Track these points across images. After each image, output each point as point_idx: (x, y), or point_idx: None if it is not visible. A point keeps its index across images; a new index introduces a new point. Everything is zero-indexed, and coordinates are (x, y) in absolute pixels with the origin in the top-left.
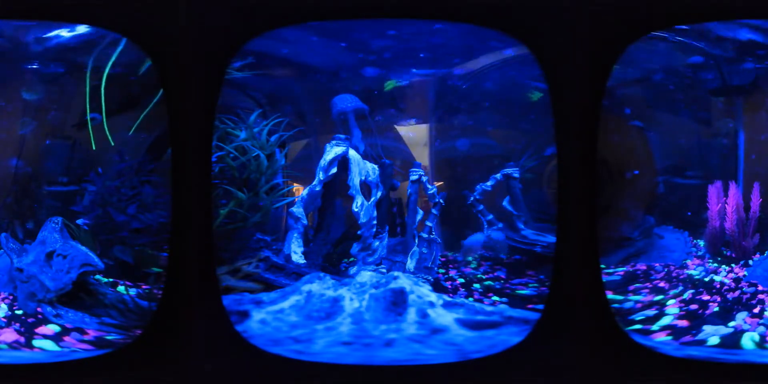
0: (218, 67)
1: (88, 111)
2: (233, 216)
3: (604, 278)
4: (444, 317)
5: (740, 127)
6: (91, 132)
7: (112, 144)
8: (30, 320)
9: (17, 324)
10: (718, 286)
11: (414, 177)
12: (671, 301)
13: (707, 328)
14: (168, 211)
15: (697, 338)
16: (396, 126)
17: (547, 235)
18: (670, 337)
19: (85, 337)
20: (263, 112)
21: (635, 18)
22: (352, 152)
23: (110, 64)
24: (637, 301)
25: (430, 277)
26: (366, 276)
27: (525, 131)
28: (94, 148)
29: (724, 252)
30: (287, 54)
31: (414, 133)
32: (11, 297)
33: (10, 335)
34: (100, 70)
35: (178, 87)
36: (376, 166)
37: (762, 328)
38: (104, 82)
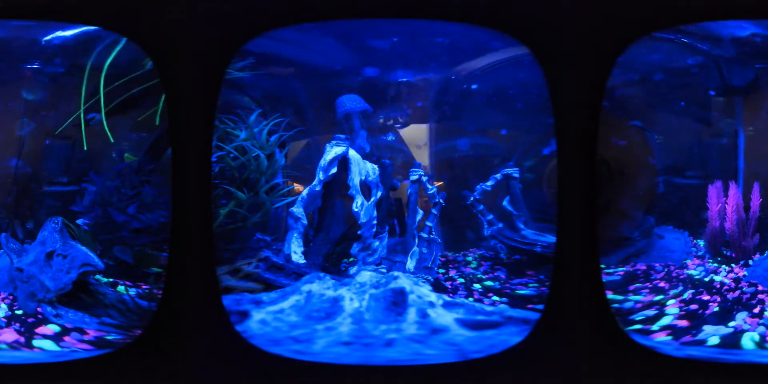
0: (218, 67)
1: (82, 111)
2: (233, 216)
3: (604, 278)
4: (444, 317)
5: (740, 127)
6: (83, 132)
7: (112, 143)
8: (30, 320)
9: (17, 324)
10: (718, 286)
11: (414, 177)
12: (671, 301)
13: (707, 328)
14: (168, 211)
15: (697, 338)
16: (396, 126)
17: (547, 235)
18: (670, 337)
19: (85, 337)
20: (263, 112)
21: (635, 18)
22: (352, 152)
23: (110, 64)
24: (637, 301)
25: (430, 277)
26: (366, 276)
27: (525, 131)
28: (85, 148)
29: (724, 252)
30: (287, 54)
31: (414, 133)
32: (11, 297)
33: (10, 335)
34: (100, 69)
35: (178, 87)
36: (376, 166)
37: (762, 328)
38: (104, 82)
